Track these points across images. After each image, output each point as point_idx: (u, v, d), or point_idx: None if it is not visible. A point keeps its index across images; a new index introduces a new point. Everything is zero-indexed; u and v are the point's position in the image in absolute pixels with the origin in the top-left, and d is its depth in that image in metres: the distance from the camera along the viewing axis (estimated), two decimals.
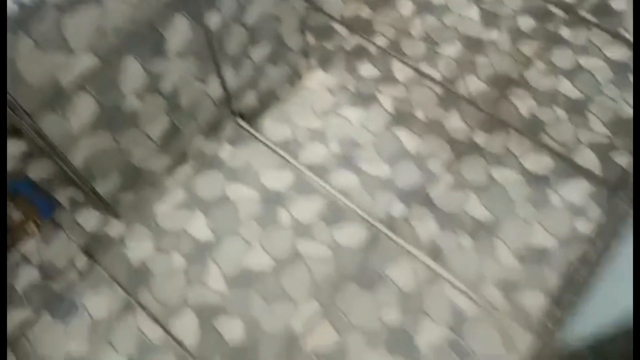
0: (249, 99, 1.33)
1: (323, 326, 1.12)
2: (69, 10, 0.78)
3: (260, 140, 1.34)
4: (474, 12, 1.55)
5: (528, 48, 1.49)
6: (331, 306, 1.14)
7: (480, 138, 1.36)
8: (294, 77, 1.42)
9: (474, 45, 1.49)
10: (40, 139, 0.91)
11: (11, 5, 0.71)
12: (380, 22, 1.53)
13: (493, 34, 1.51)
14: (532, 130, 1.36)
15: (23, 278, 1.16)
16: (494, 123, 1.38)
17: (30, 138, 1.18)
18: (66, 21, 0.78)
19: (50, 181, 1.27)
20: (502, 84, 1.43)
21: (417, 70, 1.45)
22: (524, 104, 1.40)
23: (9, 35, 0.72)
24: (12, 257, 1.18)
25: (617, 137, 1.35)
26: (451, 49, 1.49)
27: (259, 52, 1.24)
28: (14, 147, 1.31)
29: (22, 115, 0.83)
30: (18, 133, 1.32)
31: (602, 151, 1.33)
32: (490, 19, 1.54)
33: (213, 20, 1.04)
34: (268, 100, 1.38)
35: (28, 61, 0.77)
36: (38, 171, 1.28)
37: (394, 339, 1.11)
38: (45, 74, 0.80)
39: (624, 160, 1.33)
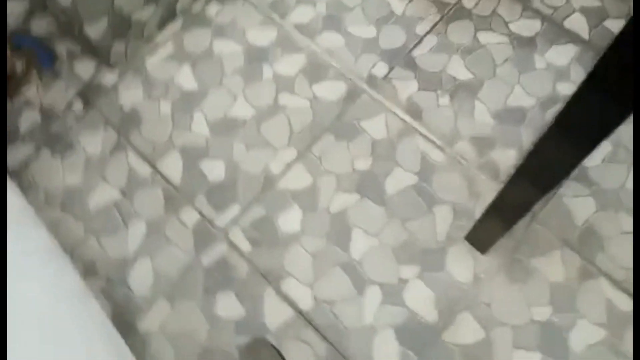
0: None
1: (298, 169, 1.18)
2: None
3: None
4: None
5: None
6: (307, 153, 1.19)
7: (469, 1, 1.33)
8: None
9: None
10: None
11: None
12: None
13: None
14: None
15: (25, 120, 1.25)
16: None
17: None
18: None
19: (50, 35, 1.33)
20: None
21: None
22: None
23: None
24: (16, 103, 1.27)
25: (611, 2, 1.30)
26: None
27: None
28: (18, 6, 1.37)
29: None
30: None
31: (593, 16, 1.29)
32: None
33: None
34: None
35: None
36: (39, 27, 1.34)
37: (363, 182, 1.15)
38: None
39: (615, 25, 1.29)
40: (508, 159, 1.17)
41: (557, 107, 1.21)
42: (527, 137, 1.18)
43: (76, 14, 1.10)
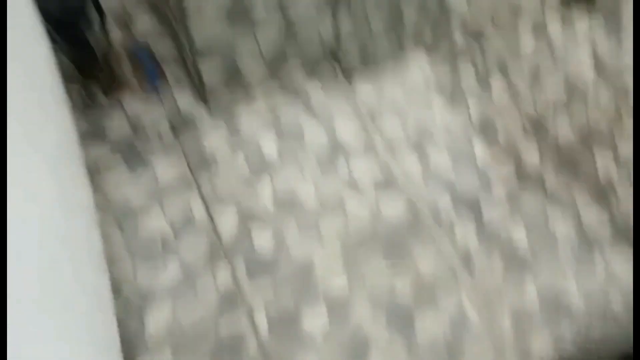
0: (353, 55, 1.39)
1: (338, 273, 1.17)
2: None
3: (348, 93, 1.40)
4: (585, 56, 1.52)
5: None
6: (352, 260, 1.19)
7: (549, 177, 1.35)
8: (399, 54, 1.46)
9: (577, 93, 1.47)
10: (178, 9, 1.01)
11: None
12: (496, 40, 1.53)
13: (601, 91, 1.48)
14: (603, 193, 1.33)
15: (113, 123, 1.28)
16: (569, 170, 1.36)
17: (164, 13, 1.31)
18: None
19: (166, 56, 1.39)
20: (591, 137, 1.41)
21: (514, 94, 1.45)
22: (605, 165, 1.38)
23: None
24: (111, 102, 1.31)
25: None
26: (554, 88, 1.48)
27: (377, 17, 1.29)
28: (148, 21, 1.44)
29: None
30: (155, 9, 1.45)
31: None
32: (600, 69, 1.51)
33: None
34: (369, 63, 1.43)
35: None
36: (160, 45, 1.41)
37: (396, 312, 1.14)
38: None
39: None
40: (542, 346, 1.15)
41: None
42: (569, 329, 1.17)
43: (201, 54, 1.15)
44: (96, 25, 1.19)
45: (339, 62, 1.40)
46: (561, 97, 1.46)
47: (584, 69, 1.51)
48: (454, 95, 1.44)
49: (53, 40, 1.08)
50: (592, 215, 1.30)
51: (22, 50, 0.75)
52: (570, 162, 1.36)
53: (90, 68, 1.30)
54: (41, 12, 1.00)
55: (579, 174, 1.35)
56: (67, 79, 1.02)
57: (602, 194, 1.31)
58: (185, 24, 1.02)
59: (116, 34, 1.39)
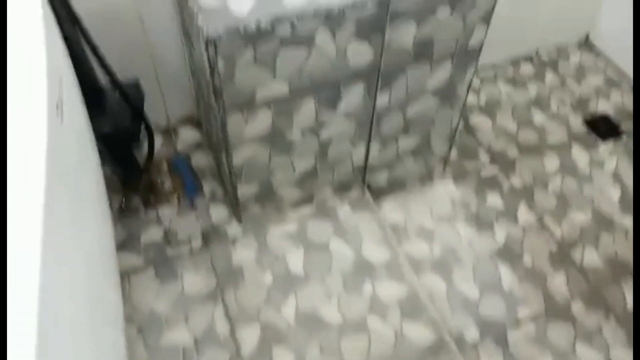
0: (381, 177, 1.46)
1: None
2: (287, 45, 0.97)
3: (376, 215, 1.44)
4: (615, 193, 1.55)
5: None
6: None
7: (577, 308, 1.32)
8: (426, 177, 1.52)
9: (604, 222, 1.49)
10: (222, 131, 1.10)
11: (252, 24, 0.92)
12: (522, 165, 1.59)
13: (627, 221, 1.49)
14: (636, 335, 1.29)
15: (149, 233, 1.34)
16: (597, 301, 1.33)
17: (210, 137, 1.41)
18: (282, 52, 0.98)
19: (205, 170, 1.48)
20: (619, 269, 1.40)
21: (540, 220, 1.48)
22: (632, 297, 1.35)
23: (240, 42, 0.93)
24: (149, 214, 1.38)
25: None
26: (580, 216, 1.49)
27: (406, 142, 1.37)
28: (191, 135, 1.56)
29: (219, 107, 1.03)
30: (199, 125, 1.58)
31: None
32: (628, 205, 1.53)
33: (382, 99, 1.20)
34: (396, 185, 1.49)
35: (243, 68, 0.97)
36: (199, 160, 1.51)
37: None
38: (249, 82, 1.00)
39: None
40: None
41: None
42: None
43: (238, 171, 1.22)
44: (143, 142, 1.29)
45: (367, 183, 1.47)
46: (588, 225, 1.47)
47: (611, 196, 1.53)
48: (480, 218, 1.46)
49: (102, 154, 1.18)
50: (623, 351, 1.25)
51: (77, 164, 0.83)
52: (599, 293, 1.33)
53: (133, 181, 1.39)
54: (95, 131, 1.11)
55: (608, 308, 1.31)
56: (110, 188, 1.10)
57: (630, 323, 1.27)
58: (226, 141, 1.10)
59: (159, 146, 1.51)
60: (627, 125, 1.71)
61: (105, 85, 1.17)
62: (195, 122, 1.59)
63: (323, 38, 0.99)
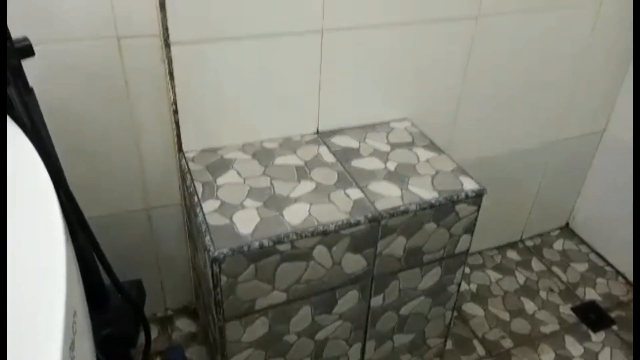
0: None
1: None
2: (287, 260, 1.04)
3: None
4: None
5: None
6: None
7: None
8: None
9: None
10: (219, 337, 1.12)
11: (255, 244, 0.99)
12: (517, 358, 1.58)
13: None
14: None
15: None
16: None
17: (206, 331, 1.42)
18: (282, 266, 1.04)
19: None
20: None
21: None
22: None
23: (243, 260, 0.99)
24: None
25: None
26: None
27: (401, 339, 1.38)
28: (187, 325, 1.56)
29: (219, 316, 1.06)
30: (195, 315, 1.59)
31: None
32: None
33: (376, 301, 1.24)
34: None
35: (245, 282, 1.02)
36: (193, 352, 1.49)
37: None
38: (249, 295, 1.05)
39: None
40: None
41: None
42: None
43: None
44: (140, 341, 1.29)
45: None
46: None
47: None
48: None
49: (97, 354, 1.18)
50: None
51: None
52: None
53: None
54: (94, 333, 1.12)
55: None
56: None
57: None
58: (223, 347, 1.11)
59: (154, 335, 1.50)
60: (616, 313, 1.74)
61: (108, 285, 1.21)
62: (192, 312, 1.61)
63: (320, 252, 1.07)
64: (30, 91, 0.89)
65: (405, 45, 1.32)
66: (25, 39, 0.84)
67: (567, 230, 2.09)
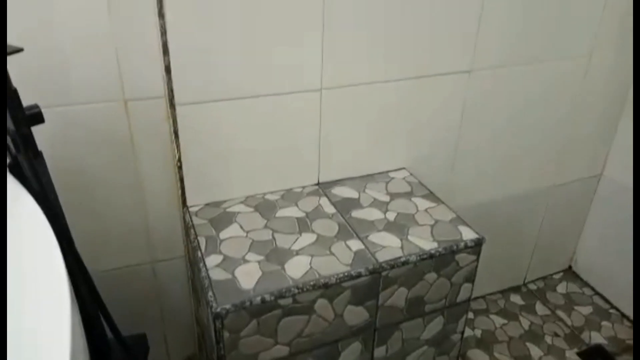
0: None
1: None
2: (289, 314, 1.04)
3: None
4: None
5: None
6: None
7: None
8: None
9: None
10: None
11: (257, 299, 1.00)
12: None
13: None
14: None
15: None
16: None
17: None
18: (284, 320, 1.05)
19: None
20: None
21: None
22: None
23: (245, 315, 0.99)
24: None
25: None
26: None
27: None
28: None
29: None
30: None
31: None
32: None
33: (380, 352, 1.23)
34: None
35: (247, 338, 1.02)
36: None
37: None
38: (252, 350, 1.04)
39: None
40: None
41: None
42: None
43: None
44: None
45: None
46: None
47: None
48: None
49: None
50: None
51: None
52: None
53: None
54: None
55: None
56: None
57: None
58: None
59: None
60: (624, 358, 1.71)
61: (111, 339, 1.21)
62: None
63: (322, 305, 1.07)
64: (39, 155, 0.92)
65: (401, 99, 1.36)
66: (36, 107, 0.87)
67: (570, 273, 2.08)
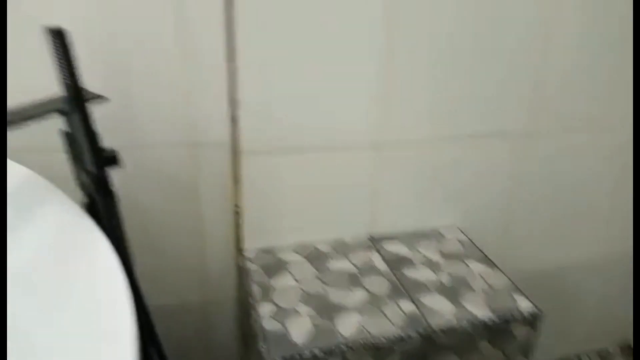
0: None
1: None
2: None
3: None
4: None
5: None
6: None
7: None
8: None
9: None
10: None
11: (307, 353, 0.98)
12: None
13: None
14: None
15: None
16: None
17: None
18: None
19: None
20: None
21: None
22: None
23: None
24: None
25: None
26: None
27: None
28: None
29: None
30: None
31: None
32: None
33: None
34: None
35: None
36: None
37: None
38: None
39: None
40: None
41: None
42: None
43: None
44: None
45: None
46: None
47: None
48: None
49: None
50: None
51: None
52: None
53: None
54: None
55: None
56: None
57: None
58: None
59: None
60: None
61: None
62: None
63: None
64: (111, 194, 0.96)
65: (454, 157, 1.35)
66: (114, 151, 0.91)
67: (626, 349, 1.96)
